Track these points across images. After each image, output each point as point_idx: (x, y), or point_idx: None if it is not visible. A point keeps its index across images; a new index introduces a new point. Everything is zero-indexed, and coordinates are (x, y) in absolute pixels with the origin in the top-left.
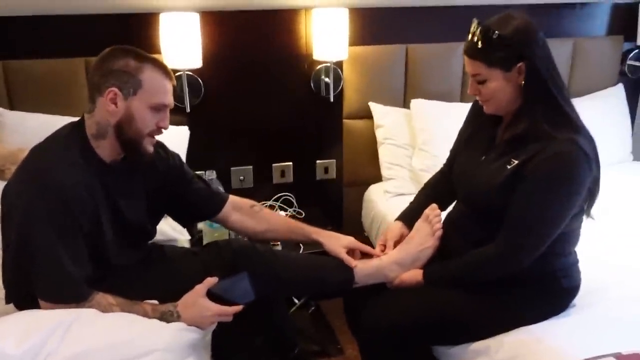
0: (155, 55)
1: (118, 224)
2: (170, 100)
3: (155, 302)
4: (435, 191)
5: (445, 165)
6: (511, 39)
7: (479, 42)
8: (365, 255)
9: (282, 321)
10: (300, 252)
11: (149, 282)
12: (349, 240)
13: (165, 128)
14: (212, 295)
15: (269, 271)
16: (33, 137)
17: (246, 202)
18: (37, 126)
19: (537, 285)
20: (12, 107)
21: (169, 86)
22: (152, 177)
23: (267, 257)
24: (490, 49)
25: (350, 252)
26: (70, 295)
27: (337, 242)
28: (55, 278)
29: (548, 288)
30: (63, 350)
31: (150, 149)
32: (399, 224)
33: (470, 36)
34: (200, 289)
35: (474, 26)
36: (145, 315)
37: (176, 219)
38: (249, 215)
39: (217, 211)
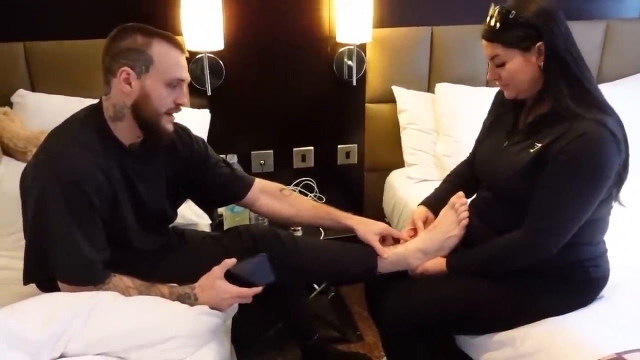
0: (177, 38)
1: (137, 208)
2: (185, 74)
3: (174, 285)
4: (460, 179)
5: (470, 155)
6: (528, 18)
7: (497, 24)
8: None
9: (301, 308)
10: (321, 238)
11: (169, 266)
12: (382, 227)
13: (184, 104)
14: (231, 276)
15: (290, 258)
16: (54, 119)
17: (275, 185)
18: (58, 108)
19: (565, 275)
20: (33, 89)
21: (181, 59)
22: (173, 161)
23: (288, 244)
24: (508, 29)
25: (381, 238)
26: (87, 277)
27: (369, 229)
28: (71, 261)
29: (576, 278)
30: (84, 335)
31: (170, 127)
32: (424, 208)
33: (488, 19)
34: (218, 270)
35: (492, 9)
36: (163, 297)
37: (199, 203)
38: (277, 199)
39: (241, 195)
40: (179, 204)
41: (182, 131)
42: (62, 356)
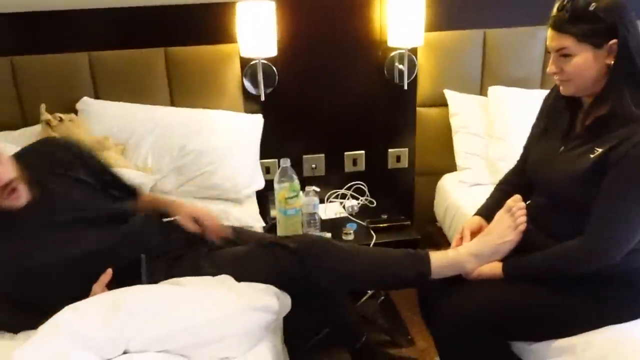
0: (231, 45)
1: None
2: None
3: None
4: (512, 186)
5: (519, 161)
6: (607, 13)
7: (571, 14)
8: (441, 247)
9: (345, 312)
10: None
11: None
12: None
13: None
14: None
15: (340, 266)
16: (116, 125)
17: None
18: (118, 114)
19: (627, 281)
20: (97, 97)
21: None
22: (64, 179)
23: (337, 254)
24: (583, 22)
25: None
26: None
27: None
28: None
29: (639, 285)
30: (144, 333)
31: (13, 201)
32: (478, 218)
33: (558, 8)
34: (97, 288)
35: None
36: None
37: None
38: None
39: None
40: (112, 193)
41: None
42: (125, 352)
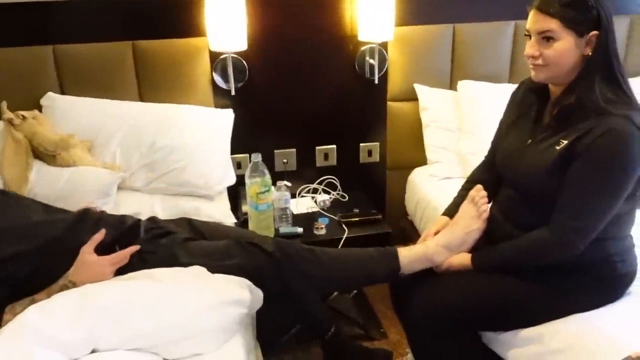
0: (201, 38)
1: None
2: None
3: (50, 286)
4: (479, 184)
5: (487, 156)
6: (595, 2)
7: None
8: (413, 241)
9: (314, 308)
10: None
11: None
12: None
13: None
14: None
15: (314, 270)
16: (83, 122)
17: None
18: (85, 110)
19: (592, 270)
20: (62, 92)
21: None
22: None
23: (309, 257)
24: (573, 7)
25: None
26: None
27: None
28: None
29: (603, 274)
30: (114, 333)
31: None
32: (445, 218)
33: None
34: (86, 247)
35: None
36: None
37: None
38: None
39: None
40: None
41: None
42: (94, 351)
